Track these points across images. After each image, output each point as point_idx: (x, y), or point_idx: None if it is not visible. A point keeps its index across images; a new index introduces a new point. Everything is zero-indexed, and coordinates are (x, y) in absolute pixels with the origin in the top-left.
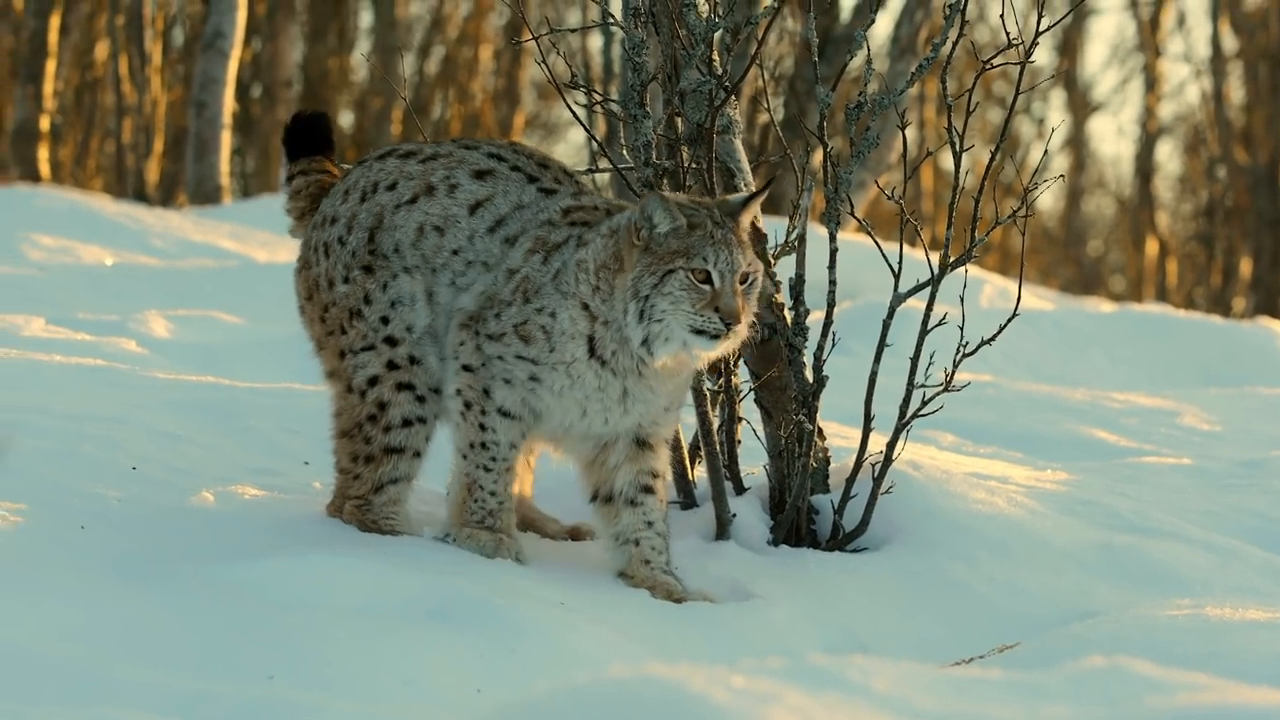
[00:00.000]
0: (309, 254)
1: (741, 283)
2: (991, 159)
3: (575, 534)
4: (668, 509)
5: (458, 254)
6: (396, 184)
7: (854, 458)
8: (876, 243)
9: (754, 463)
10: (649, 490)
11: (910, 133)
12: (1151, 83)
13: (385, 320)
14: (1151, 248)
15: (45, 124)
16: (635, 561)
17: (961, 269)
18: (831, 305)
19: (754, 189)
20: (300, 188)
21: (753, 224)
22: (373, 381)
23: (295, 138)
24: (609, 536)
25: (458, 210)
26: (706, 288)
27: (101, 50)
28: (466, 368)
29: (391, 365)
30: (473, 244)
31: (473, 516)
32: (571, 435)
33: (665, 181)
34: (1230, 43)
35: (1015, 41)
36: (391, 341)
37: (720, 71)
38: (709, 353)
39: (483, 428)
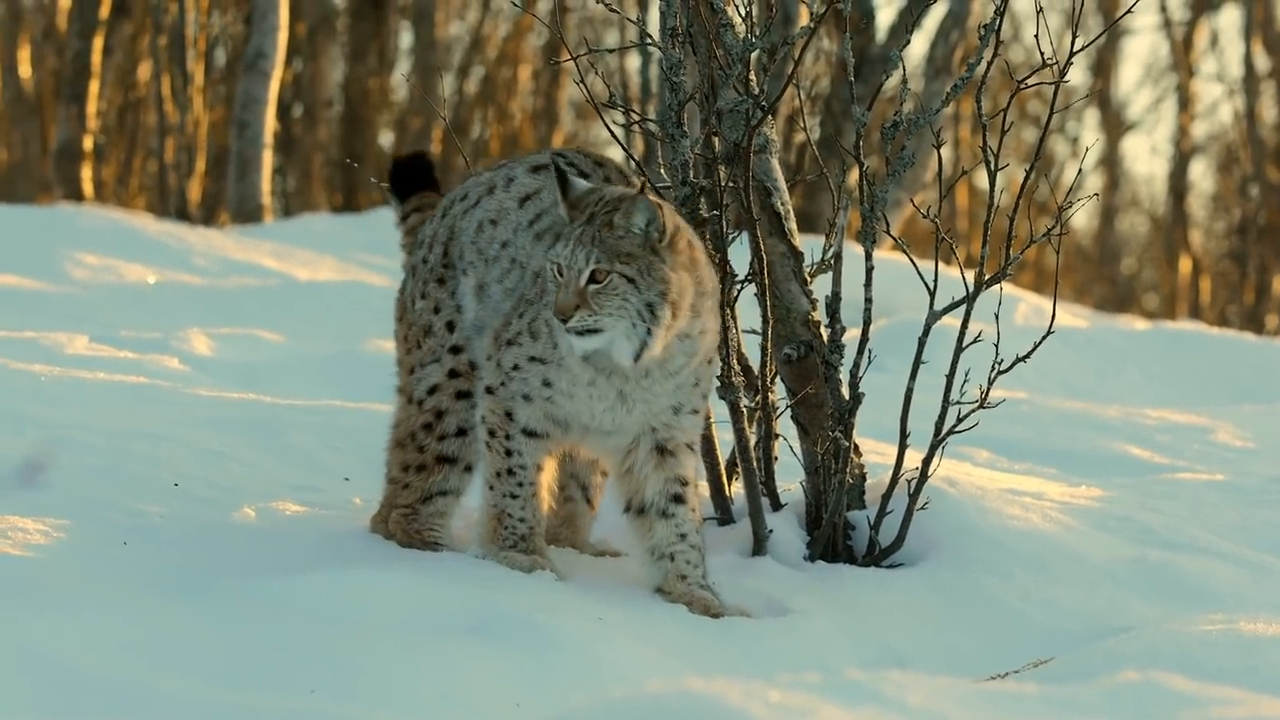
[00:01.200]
0: (404, 278)
1: (592, 281)
2: (1026, 178)
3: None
4: (702, 520)
5: (506, 247)
6: (468, 193)
7: (890, 474)
8: (912, 261)
9: (791, 479)
10: (680, 499)
11: (945, 152)
12: (1185, 102)
13: (450, 327)
14: (1185, 266)
15: (89, 144)
16: (671, 577)
17: (996, 287)
18: (867, 323)
19: (788, 208)
20: (415, 224)
21: (789, 242)
22: (432, 390)
23: (401, 178)
24: (644, 551)
25: (510, 203)
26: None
27: (144, 70)
28: (489, 389)
29: (453, 374)
30: (516, 237)
31: (505, 542)
32: (591, 439)
33: (703, 200)
34: (1263, 62)
35: (1050, 61)
36: (455, 350)
37: (757, 91)
38: (576, 350)
39: (508, 453)
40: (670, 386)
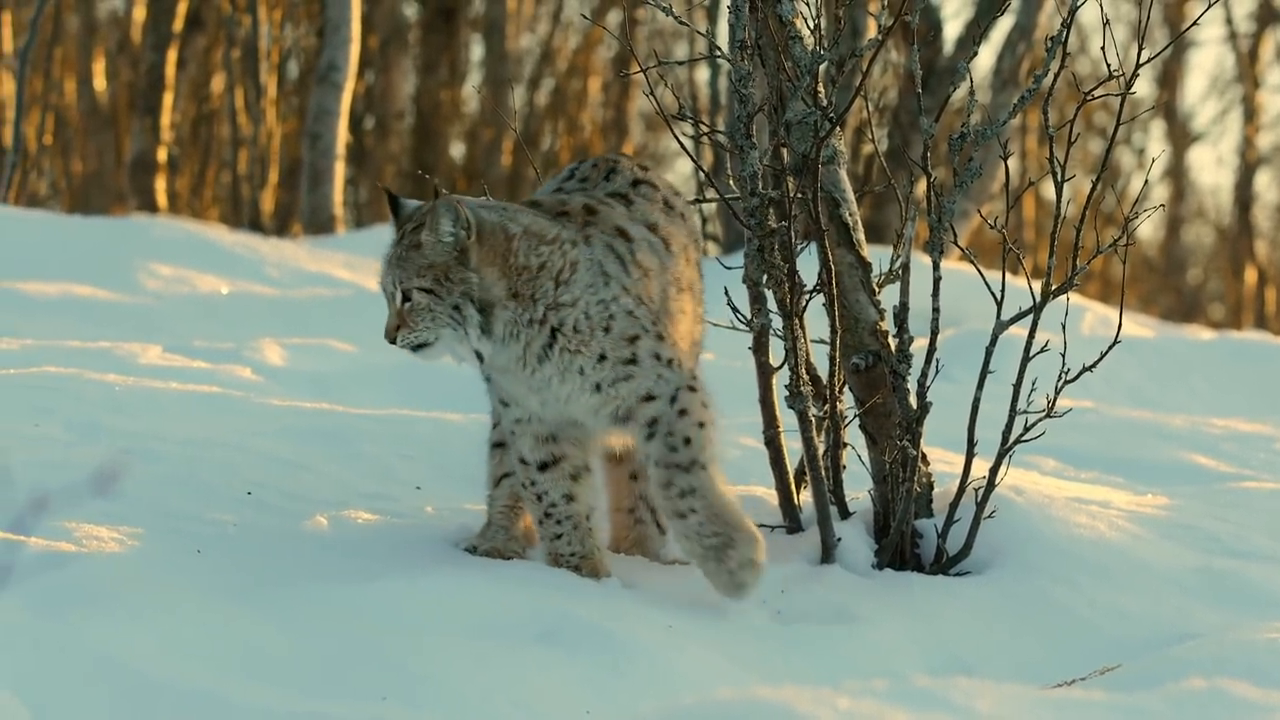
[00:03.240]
0: None
1: (406, 299)
2: (1093, 189)
3: None
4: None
5: None
6: None
7: (957, 482)
8: (979, 271)
9: (859, 488)
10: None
11: (1012, 163)
12: (1250, 113)
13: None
14: (1250, 276)
15: (162, 155)
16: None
17: (1063, 297)
18: (935, 332)
19: (856, 219)
20: None
21: (857, 252)
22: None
23: None
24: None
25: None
26: None
27: (218, 83)
28: (501, 443)
29: None
30: None
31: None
32: (574, 433)
33: (771, 211)
34: None
35: (1116, 73)
36: None
37: (825, 103)
38: (421, 362)
39: (538, 498)
40: (547, 371)
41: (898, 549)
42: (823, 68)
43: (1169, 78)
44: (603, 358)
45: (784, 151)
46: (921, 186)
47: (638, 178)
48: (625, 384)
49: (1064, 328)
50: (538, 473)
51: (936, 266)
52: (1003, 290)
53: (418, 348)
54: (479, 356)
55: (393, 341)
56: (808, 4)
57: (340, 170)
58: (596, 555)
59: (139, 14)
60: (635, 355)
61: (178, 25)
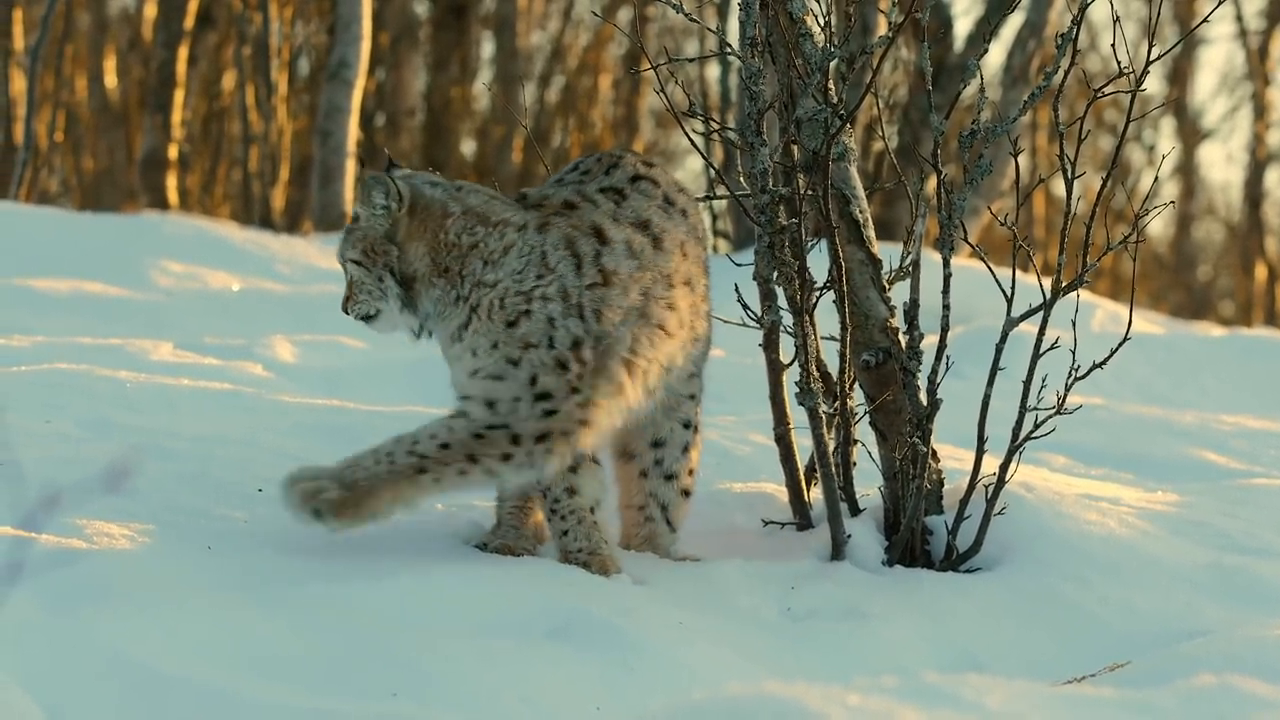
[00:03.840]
0: None
1: (346, 273)
2: (1103, 186)
3: None
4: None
5: None
6: None
7: (967, 479)
8: (989, 268)
9: (869, 484)
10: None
11: (1023, 160)
12: (1260, 110)
13: None
14: (1260, 273)
15: (173, 152)
16: None
17: (1073, 294)
18: (945, 329)
19: (866, 216)
20: None
21: (867, 249)
22: None
23: None
24: None
25: None
26: None
27: (228, 80)
28: None
29: None
30: None
31: (575, 563)
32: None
33: (781, 208)
34: None
35: (1126, 70)
36: None
37: (836, 100)
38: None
39: (544, 494)
40: (457, 350)
41: (908, 546)
42: (833, 65)
43: (1179, 75)
44: (495, 346)
45: (794, 148)
46: (932, 183)
47: (638, 174)
48: (489, 383)
49: (1074, 324)
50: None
51: (947, 263)
52: (1013, 287)
53: (366, 319)
54: (413, 332)
55: (346, 312)
56: (818, 1)
57: (351, 167)
58: (604, 551)
59: (150, 11)
60: (518, 361)
61: (189, 22)
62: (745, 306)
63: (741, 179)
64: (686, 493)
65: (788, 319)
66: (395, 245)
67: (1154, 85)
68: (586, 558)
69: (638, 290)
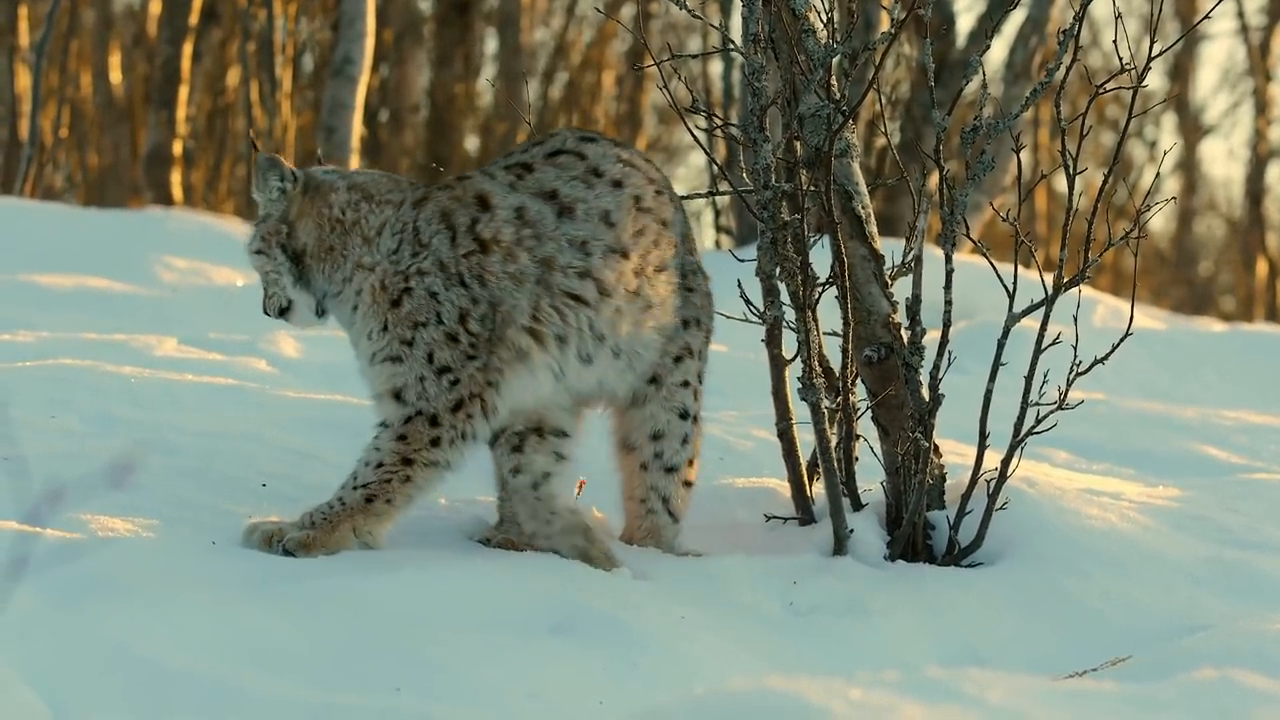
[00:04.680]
0: None
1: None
2: (1104, 181)
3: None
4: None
5: None
6: None
7: (969, 474)
8: (991, 264)
9: (871, 479)
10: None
11: (1025, 156)
12: (1261, 106)
13: None
14: (1261, 268)
15: (178, 148)
16: None
17: (1075, 289)
18: (947, 325)
19: (869, 212)
20: None
21: (869, 245)
22: None
23: None
24: None
25: None
26: None
27: (233, 76)
28: None
29: None
30: None
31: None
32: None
33: (784, 204)
34: None
35: (1128, 67)
36: None
37: (838, 96)
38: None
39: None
40: (354, 335)
41: (910, 540)
42: (836, 61)
43: (1180, 71)
44: (385, 329)
45: (797, 144)
46: (934, 179)
47: (559, 148)
48: (389, 366)
49: (1076, 320)
50: (491, 453)
51: (949, 259)
52: (1015, 283)
53: (282, 313)
54: (313, 311)
55: (266, 313)
56: None
57: (355, 163)
58: (555, 525)
59: (154, 7)
60: (412, 341)
61: (193, 19)
62: (748, 302)
63: (744, 175)
64: (688, 483)
65: (790, 314)
66: (287, 224)
67: (1155, 81)
68: (529, 541)
69: (529, 258)
